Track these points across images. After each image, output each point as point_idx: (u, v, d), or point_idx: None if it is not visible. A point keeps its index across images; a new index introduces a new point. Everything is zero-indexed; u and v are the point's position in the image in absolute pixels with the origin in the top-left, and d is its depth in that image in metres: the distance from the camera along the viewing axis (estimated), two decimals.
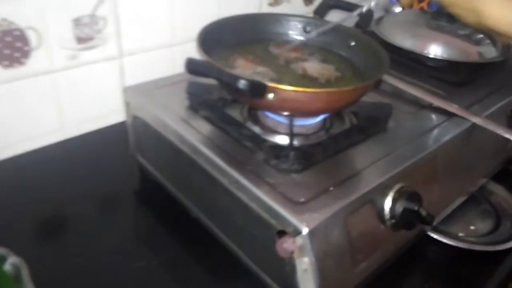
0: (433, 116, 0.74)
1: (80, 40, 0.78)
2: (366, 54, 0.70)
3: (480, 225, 0.78)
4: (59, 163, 0.79)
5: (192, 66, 0.53)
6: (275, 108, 0.59)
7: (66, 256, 0.64)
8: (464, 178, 0.76)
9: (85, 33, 0.78)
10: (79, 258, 0.63)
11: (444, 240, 0.70)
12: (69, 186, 0.75)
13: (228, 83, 0.53)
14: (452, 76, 0.86)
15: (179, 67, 0.53)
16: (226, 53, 0.69)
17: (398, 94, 0.78)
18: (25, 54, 0.73)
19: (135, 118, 0.72)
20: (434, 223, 0.68)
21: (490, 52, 0.91)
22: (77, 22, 0.77)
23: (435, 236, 0.70)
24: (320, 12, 0.78)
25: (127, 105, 0.73)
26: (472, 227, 0.77)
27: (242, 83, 0.52)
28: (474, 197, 0.81)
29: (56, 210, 0.71)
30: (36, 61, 0.75)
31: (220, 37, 0.69)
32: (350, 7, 0.75)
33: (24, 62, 0.74)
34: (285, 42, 0.76)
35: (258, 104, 0.60)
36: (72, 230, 0.68)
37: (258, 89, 0.53)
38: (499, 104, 0.81)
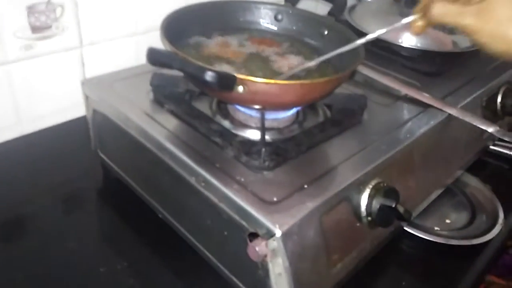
0: (408, 108, 0.72)
1: (36, 29, 0.73)
2: (339, 44, 0.67)
3: (455, 218, 0.77)
4: (15, 161, 0.75)
5: (154, 56, 0.50)
6: (246, 101, 0.56)
7: (22, 260, 0.60)
8: (440, 170, 0.74)
9: (41, 21, 0.73)
10: (37, 263, 0.60)
11: (420, 235, 0.68)
12: (26, 185, 0.71)
13: (194, 75, 0.49)
14: (426, 66, 0.85)
15: (144, 58, 0.50)
16: (192, 43, 0.66)
17: (370, 85, 0.76)
18: None
19: (96, 113, 0.68)
20: (411, 219, 0.66)
21: (464, 41, 0.90)
22: (31, 9, 0.72)
23: (410, 230, 0.69)
24: None
25: (87, 98, 0.69)
26: (447, 221, 0.76)
27: (209, 75, 0.48)
28: (449, 189, 0.80)
29: (12, 210, 0.67)
30: None
31: (186, 26, 0.65)
32: None
33: None
34: (257, 31, 0.72)
35: (227, 97, 0.57)
36: (29, 232, 0.64)
37: (226, 82, 0.50)
38: (474, 95, 0.80)
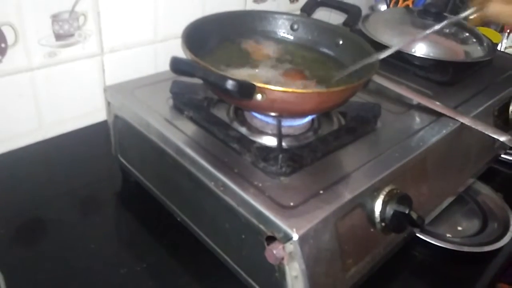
0: (421, 116, 0.73)
1: (59, 36, 0.76)
2: (354, 53, 0.69)
3: (467, 226, 0.77)
4: (37, 165, 0.77)
5: (177, 65, 0.51)
6: (264, 109, 0.57)
7: (44, 262, 0.61)
8: (452, 178, 0.75)
9: (65, 30, 0.76)
10: (58, 265, 0.61)
11: (432, 241, 0.69)
12: (47, 188, 0.73)
13: (215, 83, 0.51)
14: (439, 76, 0.85)
15: (163, 65, 0.51)
16: (210, 52, 0.67)
17: (383, 93, 0.77)
18: (1, 51, 0.70)
19: (117, 118, 0.70)
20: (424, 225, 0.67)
21: (476, 51, 0.91)
22: (56, 18, 0.74)
23: (423, 237, 0.69)
24: (308, 9, 0.76)
25: (108, 104, 0.71)
26: (459, 228, 0.76)
27: (230, 84, 0.50)
28: (461, 197, 0.81)
29: (33, 214, 0.68)
30: (13, 58, 0.72)
31: (206, 35, 0.67)
32: (338, 5, 0.73)
33: (0, 59, 0.71)
34: (273, 40, 0.74)
35: (246, 105, 0.58)
36: (50, 235, 0.66)
37: (246, 90, 0.51)
38: (486, 104, 0.80)
